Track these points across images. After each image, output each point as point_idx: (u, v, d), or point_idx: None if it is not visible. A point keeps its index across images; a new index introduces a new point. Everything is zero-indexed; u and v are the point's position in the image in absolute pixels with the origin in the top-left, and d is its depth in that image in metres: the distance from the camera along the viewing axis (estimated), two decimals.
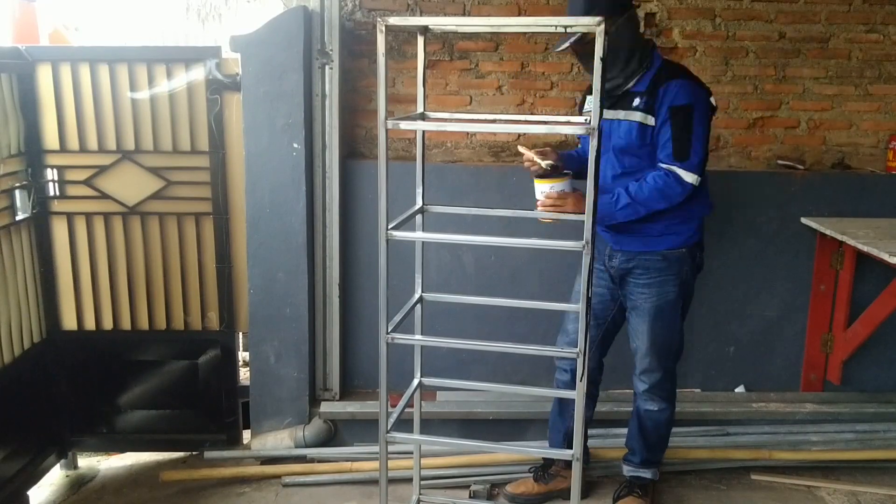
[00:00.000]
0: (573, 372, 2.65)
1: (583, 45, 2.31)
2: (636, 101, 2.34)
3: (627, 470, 2.75)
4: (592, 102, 1.80)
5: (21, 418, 2.84)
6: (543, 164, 2.33)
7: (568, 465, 2.78)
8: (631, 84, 2.37)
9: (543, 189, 2.31)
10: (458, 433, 3.15)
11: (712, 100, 2.39)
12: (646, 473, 2.73)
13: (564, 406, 2.72)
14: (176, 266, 3.10)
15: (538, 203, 2.34)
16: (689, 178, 2.29)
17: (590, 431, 2.83)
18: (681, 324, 2.58)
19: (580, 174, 2.41)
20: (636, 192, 2.32)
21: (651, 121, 2.32)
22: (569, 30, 1.85)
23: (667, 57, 3.22)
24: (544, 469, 2.83)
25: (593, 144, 1.76)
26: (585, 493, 2.84)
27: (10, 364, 2.74)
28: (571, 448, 2.76)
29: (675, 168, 2.30)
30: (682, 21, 3.26)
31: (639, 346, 2.56)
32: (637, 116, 2.33)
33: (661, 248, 2.45)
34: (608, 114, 2.38)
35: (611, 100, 2.38)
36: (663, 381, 2.59)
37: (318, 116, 3.04)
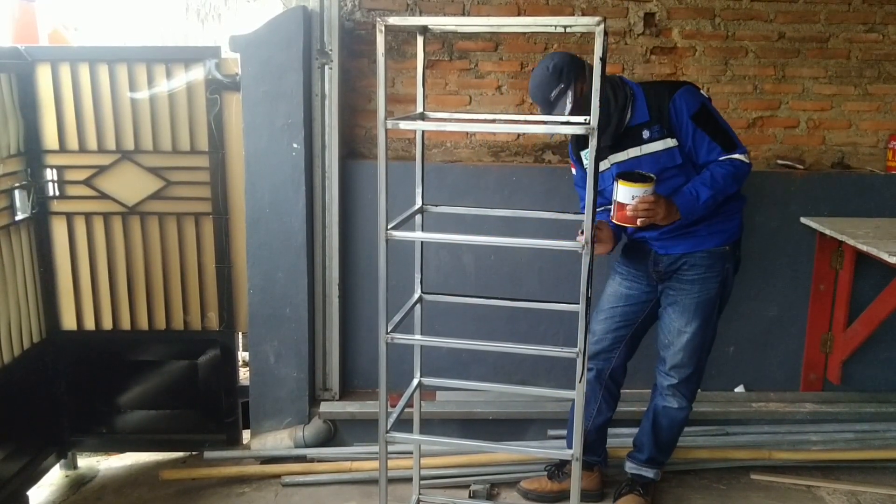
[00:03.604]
0: (598, 370, 2.66)
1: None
2: (646, 133, 2.37)
3: (630, 467, 2.75)
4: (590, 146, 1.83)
5: (21, 418, 2.84)
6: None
7: (585, 464, 2.79)
8: (627, 119, 2.39)
9: (635, 193, 2.21)
10: (457, 433, 3.15)
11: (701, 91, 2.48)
12: (648, 472, 2.72)
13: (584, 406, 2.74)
14: (175, 266, 3.10)
15: (627, 207, 2.24)
16: (747, 158, 2.38)
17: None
18: (716, 321, 2.60)
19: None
20: (712, 183, 2.34)
21: (672, 142, 2.36)
22: (568, 29, 1.85)
23: (664, 58, 3.26)
24: (559, 468, 2.83)
25: (593, 144, 1.76)
26: (601, 495, 2.84)
27: (10, 364, 2.74)
28: (591, 448, 2.78)
29: (733, 156, 2.36)
30: (681, 21, 3.26)
31: (672, 342, 2.56)
32: (658, 146, 2.37)
33: (707, 246, 2.49)
34: (621, 156, 2.43)
35: (615, 141, 2.40)
36: (692, 378, 2.60)
37: (317, 116, 3.04)
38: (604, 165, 2.47)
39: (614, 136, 2.40)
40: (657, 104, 2.35)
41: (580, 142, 2.54)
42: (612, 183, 2.31)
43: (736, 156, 2.36)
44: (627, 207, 2.25)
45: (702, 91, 2.46)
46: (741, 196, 2.55)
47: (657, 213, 2.27)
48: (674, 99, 2.34)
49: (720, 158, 2.36)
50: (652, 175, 2.27)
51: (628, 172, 2.28)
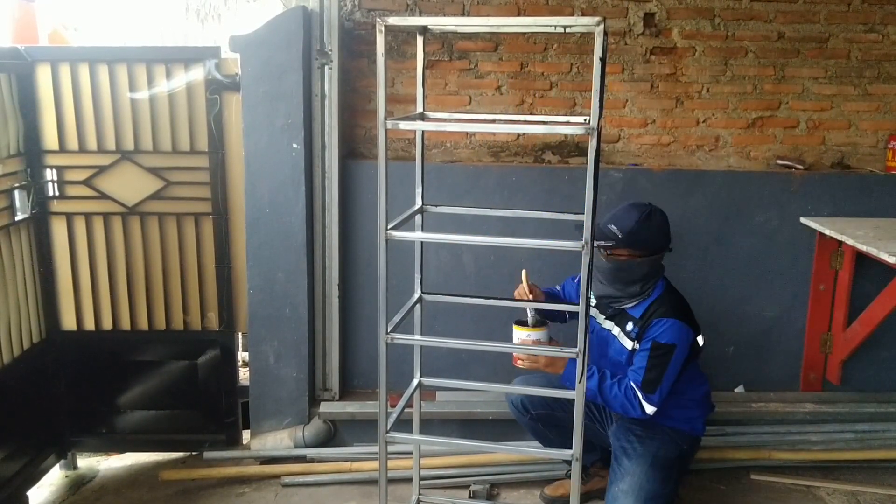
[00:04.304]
0: (536, 416, 2.66)
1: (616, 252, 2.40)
2: (629, 327, 2.44)
3: None
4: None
5: (21, 418, 2.84)
6: (530, 314, 2.33)
7: (606, 463, 2.78)
8: (629, 305, 2.47)
9: (520, 336, 2.29)
10: (457, 433, 3.15)
11: (700, 339, 2.44)
12: None
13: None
14: (175, 266, 3.10)
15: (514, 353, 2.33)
16: (649, 409, 2.35)
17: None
18: (674, 485, 2.50)
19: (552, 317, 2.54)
20: (606, 387, 2.36)
21: (638, 346, 2.42)
22: (568, 30, 1.84)
23: (664, 58, 3.26)
24: (583, 469, 2.81)
25: (592, 145, 1.76)
26: None
27: (10, 364, 2.74)
28: (601, 454, 2.77)
29: (640, 395, 2.35)
30: (681, 21, 3.26)
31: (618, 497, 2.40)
32: (629, 345, 2.45)
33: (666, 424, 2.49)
34: (607, 324, 2.53)
35: (609, 309, 2.52)
36: None
37: (317, 116, 3.04)
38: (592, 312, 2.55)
39: (607, 302, 2.49)
40: (652, 313, 2.40)
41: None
42: (592, 335, 2.50)
43: (642, 398, 2.33)
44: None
45: (699, 339, 2.44)
46: (699, 427, 2.56)
47: (538, 361, 2.30)
48: (660, 320, 2.36)
49: (632, 384, 2.35)
50: (545, 321, 2.31)
51: (520, 320, 2.30)
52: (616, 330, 2.49)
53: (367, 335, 3.30)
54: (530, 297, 2.43)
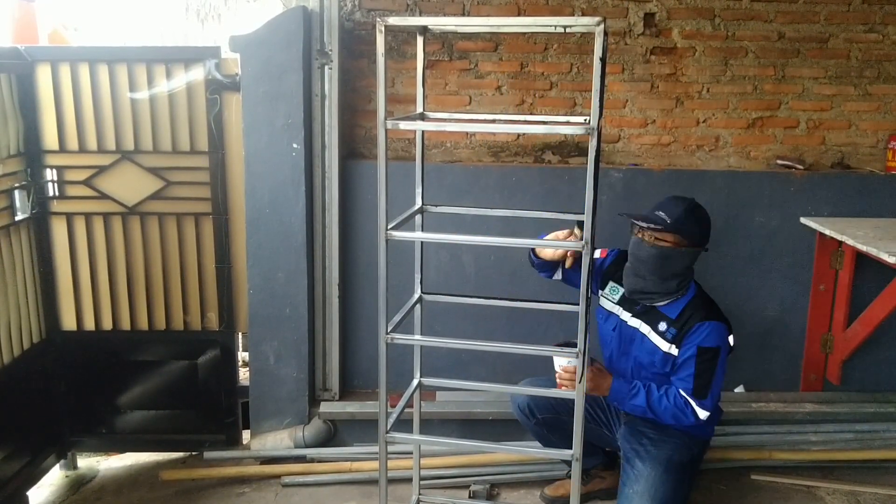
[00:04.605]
0: (543, 420, 2.65)
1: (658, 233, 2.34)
2: (662, 326, 2.41)
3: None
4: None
5: (21, 418, 2.84)
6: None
7: (606, 465, 2.78)
8: (662, 303, 2.42)
9: (561, 363, 2.28)
10: (457, 433, 3.15)
11: (731, 338, 2.43)
12: None
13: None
14: (175, 266, 3.10)
15: (556, 376, 2.31)
16: (703, 414, 2.35)
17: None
18: (687, 490, 2.47)
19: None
20: (654, 401, 2.35)
21: (675, 351, 2.39)
22: (568, 30, 1.84)
23: (664, 58, 3.26)
24: (584, 471, 2.81)
25: (592, 145, 1.76)
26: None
27: (10, 364, 2.74)
28: (603, 458, 2.76)
29: (693, 402, 2.34)
30: (681, 21, 3.26)
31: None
32: (664, 346, 2.41)
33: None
34: (634, 322, 2.48)
35: (638, 305, 2.46)
36: None
37: (317, 116, 3.04)
38: (610, 307, 2.53)
39: (635, 300, 2.44)
40: (689, 315, 2.37)
41: (609, 276, 2.55)
42: (613, 332, 2.50)
43: (695, 405, 2.33)
44: (556, 375, 2.30)
45: (730, 339, 2.41)
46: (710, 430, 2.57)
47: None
48: (702, 324, 2.34)
49: (682, 392, 2.35)
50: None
51: (567, 342, 2.28)
52: (645, 328, 2.44)
53: (367, 335, 3.30)
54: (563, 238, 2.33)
